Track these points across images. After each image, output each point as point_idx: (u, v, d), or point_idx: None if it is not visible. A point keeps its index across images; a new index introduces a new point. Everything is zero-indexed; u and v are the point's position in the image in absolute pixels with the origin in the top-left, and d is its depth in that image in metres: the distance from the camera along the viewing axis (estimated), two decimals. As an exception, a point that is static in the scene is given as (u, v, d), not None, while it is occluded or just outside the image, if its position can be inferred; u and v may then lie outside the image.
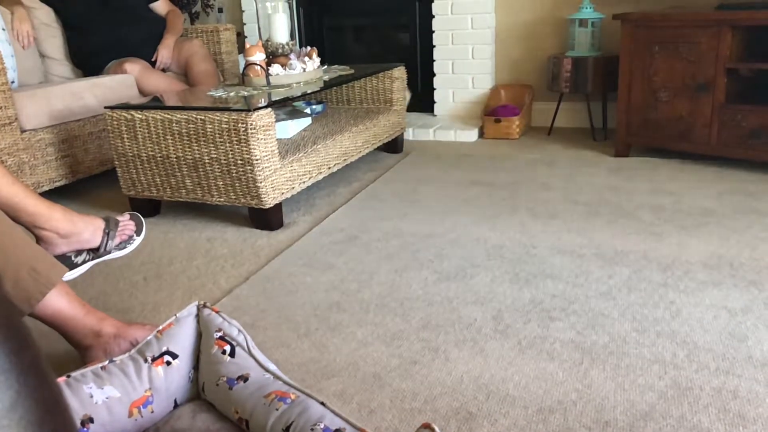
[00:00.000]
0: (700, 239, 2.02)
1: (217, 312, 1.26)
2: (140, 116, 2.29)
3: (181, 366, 1.19)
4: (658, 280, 1.76)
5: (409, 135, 3.67)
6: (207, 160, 2.23)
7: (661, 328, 1.52)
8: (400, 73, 3.24)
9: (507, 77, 3.81)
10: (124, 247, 1.88)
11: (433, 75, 3.91)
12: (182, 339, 1.21)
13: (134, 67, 3.14)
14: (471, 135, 3.58)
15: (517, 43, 3.72)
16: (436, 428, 0.95)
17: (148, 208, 2.51)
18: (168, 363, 1.17)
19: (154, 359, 1.17)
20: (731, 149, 2.64)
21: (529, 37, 3.68)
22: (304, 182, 2.42)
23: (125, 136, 2.35)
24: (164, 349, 1.18)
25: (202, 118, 2.18)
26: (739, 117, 2.60)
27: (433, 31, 3.83)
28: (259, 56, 2.68)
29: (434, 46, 3.86)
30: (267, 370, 1.17)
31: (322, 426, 1.01)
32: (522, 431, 1.20)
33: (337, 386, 1.36)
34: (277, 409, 1.06)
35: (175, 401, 1.18)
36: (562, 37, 3.57)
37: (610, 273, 1.82)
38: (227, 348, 1.19)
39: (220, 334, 1.21)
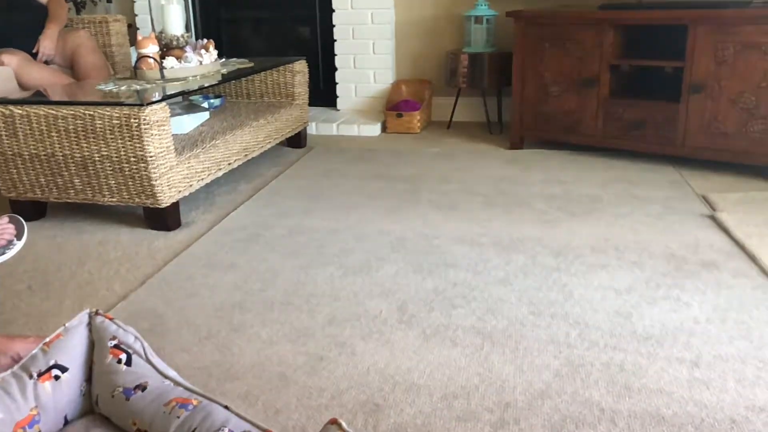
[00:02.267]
0: (589, 225, 2.15)
1: (111, 319, 1.20)
2: (20, 112, 2.14)
3: (72, 379, 1.12)
4: (552, 265, 1.85)
5: (313, 129, 3.64)
6: (97, 158, 2.12)
7: (555, 310, 1.61)
8: (301, 66, 3.21)
9: (407, 72, 3.86)
10: (3, 253, 1.75)
11: (335, 69, 3.90)
12: (72, 350, 1.14)
13: (12, 59, 2.92)
14: (374, 129, 3.60)
15: (417, 38, 3.78)
16: (343, 423, 0.95)
17: (31, 210, 2.35)
18: (56, 377, 1.10)
19: (40, 374, 1.09)
20: (615, 140, 2.82)
21: (428, 33, 3.75)
22: (202, 179, 2.35)
23: (3, 133, 2.18)
24: (52, 362, 1.11)
25: (91, 113, 2.07)
26: (621, 110, 2.78)
27: (334, 25, 3.82)
28: (152, 49, 2.57)
29: (335, 41, 3.85)
30: (167, 377, 1.13)
31: (226, 431, 0.99)
32: (427, 418, 1.22)
33: (241, 388, 1.34)
34: (178, 417, 1.03)
35: (66, 418, 1.12)
36: (459, 34, 3.67)
37: (507, 260, 1.90)
38: (123, 356, 1.13)
39: (114, 342, 1.15)
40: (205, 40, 2.78)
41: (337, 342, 1.50)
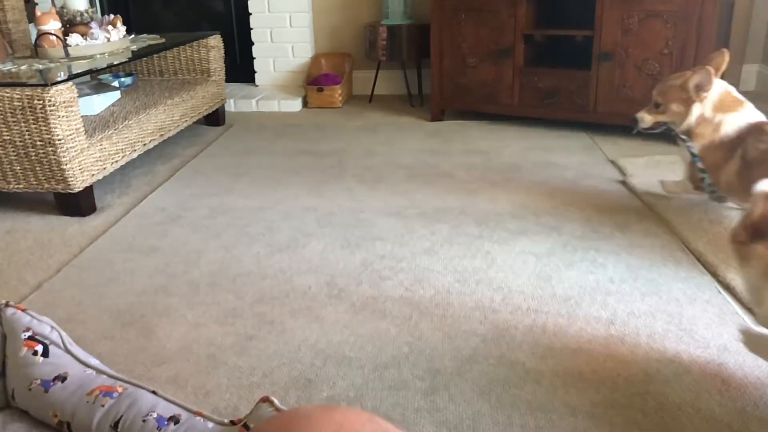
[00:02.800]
0: (509, 193, 2.21)
1: (23, 310, 1.14)
2: None
3: (-16, 375, 1.06)
4: (475, 233, 1.90)
5: (231, 106, 3.55)
6: (-2, 143, 1.99)
7: (479, 276, 1.65)
8: (216, 41, 3.11)
9: (326, 46, 3.81)
10: None
11: (252, 44, 3.80)
12: (-18, 345, 1.08)
13: None
14: (295, 104, 3.55)
15: (335, 11, 3.73)
16: (275, 400, 0.95)
17: (-72, 201, 2.19)
18: (-34, 373, 1.04)
19: (-52, 371, 1.03)
20: (531, 109, 2.89)
21: (346, 5, 3.70)
22: (116, 161, 2.25)
23: None
24: (-40, 358, 1.05)
25: (-12, 95, 1.93)
26: (536, 79, 2.85)
27: (248, -1, 3.72)
28: (53, 25, 2.42)
29: (250, 14, 3.74)
30: (88, 366, 1.09)
31: (154, 415, 0.96)
32: (359, 390, 1.24)
33: (169, 372, 1.31)
34: (102, 405, 0.99)
35: (-20, 414, 1.06)
36: (377, 6, 3.64)
37: (432, 230, 1.93)
38: (39, 348, 1.08)
39: (29, 334, 1.10)
40: (112, 16, 2.64)
41: (266, 320, 1.49)
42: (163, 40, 2.87)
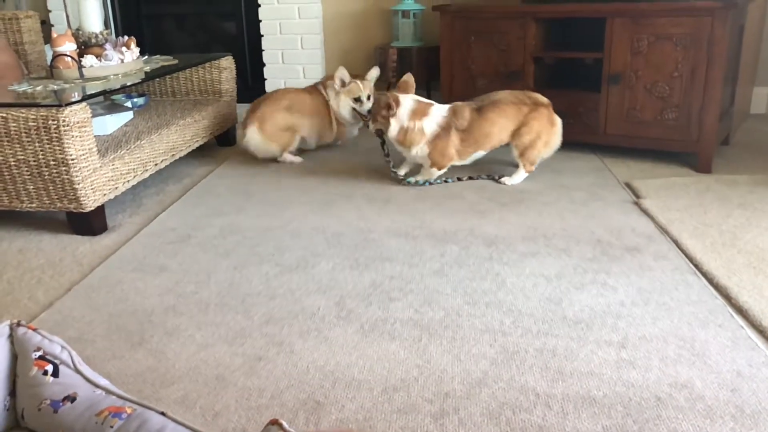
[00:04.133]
0: (518, 214, 2.20)
1: (34, 330, 1.14)
2: (-76, 115, 2.00)
3: (-6, 394, 1.06)
4: (485, 255, 1.89)
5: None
6: (13, 162, 2.01)
7: (489, 299, 1.64)
8: (228, 63, 3.14)
9: (337, 67, 3.84)
10: None
11: (263, 65, 3.84)
12: (-7, 364, 1.08)
13: None
14: (305, 125, 3.57)
15: (345, 33, 3.77)
16: (284, 423, 0.94)
17: (-58, 219, 2.21)
18: (-23, 392, 1.04)
19: (-41, 390, 1.03)
20: (541, 131, 2.89)
21: (357, 27, 3.74)
22: (128, 181, 2.27)
23: None
24: (-29, 377, 1.05)
25: (4, 115, 1.96)
26: (546, 101, 2.86)
27: (260, 21, 3.76)
28: (69, 46, 2.45)
29: (262, 36, 3.79)
30: (98, 386, 1.09)
31: (162, 437, 0.96)
32: (368, 413, 1.23)
33: (178, 393, 1.31)
34: (111, 427, 0.99)
35: (-11, 434, 1.06)
36: (387, 28, 3.68)
37: (441, 251, 1.93)
38: (49, 368, 1.09)
39: (39, 353, 1.10)
40: (126, 38, 2.68)
41: (275, 341, 1.48)
42: (176, 61, 2.90)
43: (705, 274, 1.73)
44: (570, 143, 2.96)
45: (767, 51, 3.37)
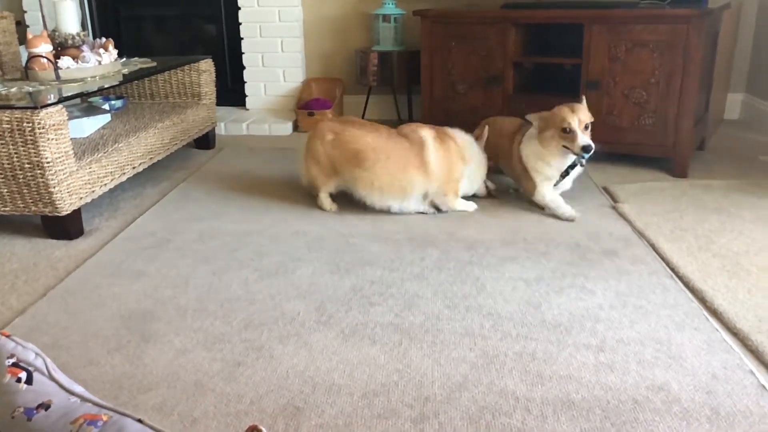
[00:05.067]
0: (499, 219, 2.22)
1: (7, 336, 1.12)
2: None
3: (-34, 402, 1.04)
4: (465, 259, 1.90)
5: (221, 130, 3.56)
6: (-14, 166, 1.98)
7: (469, 303, 1.65)
8: (207, 65, 3.12)
9: (318, 71, 3.84)
10: None
11: (243, 68, 3.82)
12: (-35, 371, 1.06)
13: None
14: (285, 128, 3.56)
15: (326, 36, 3.76)
16: (263, 429, 0.94)
17: None
18: (-53, 401, 1.02)
19: (-71, 399, 1.01)
20: (521, 135, 2.91)
21: (337, 30, 3.74)
22: (105, 185, 2.24)
23: None
24: (-58, 385, 1.03)
25: (-23, 117, 1.92)
26: (525, 106, 2.87)
27: (240, 23, 3.74)
28: (44, 48, 2.42)
29: (242, 39, 3.77)
30: (73, 393, 1.07)
31: (139, 445, 0.95)
32: (348, 418, 1.23)
33: (155, 399, 1.29)
34: (86, 434, 0.97)
35: (-40, 443, 1.04)
36: (368, 32, 3.68)
37: (421, 255, 1.93)
38: (22, 375, 1.06)
39: (12, 360, 1.08)
40: (104, 39, 2.65)
41: (254, 346, 1.47)
42: (155, 63, 2.88)
43: (681, 278, 1.75)
44: (549, 148, 2.98)
45: (740, 58, 3.43)
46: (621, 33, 2.60)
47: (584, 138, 2.15)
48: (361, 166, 2.22)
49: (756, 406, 1.23)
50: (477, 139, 2.41)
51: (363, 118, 3.68)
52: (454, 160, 2.26)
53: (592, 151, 2.13)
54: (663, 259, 1.87)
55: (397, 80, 3.43)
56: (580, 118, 2.17)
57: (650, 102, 2.61)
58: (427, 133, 2.29)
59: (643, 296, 1.66)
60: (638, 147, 2.69)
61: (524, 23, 2.85)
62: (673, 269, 1.80)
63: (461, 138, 2.34)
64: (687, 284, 1.71)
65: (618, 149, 2.74)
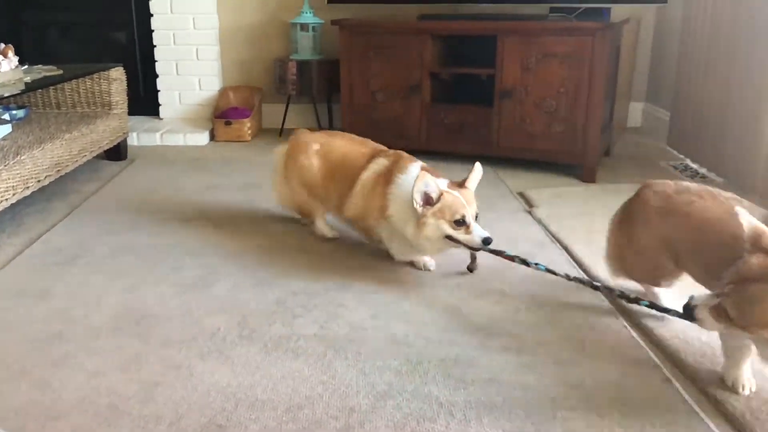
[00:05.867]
0: (420, 226, 2.24)
1: None
2: None
3: None
4: (388, 267, 1.91)
5: (134, 140, 3.42)
6: None
7: (393, 310, 1.66)
8: (118, 73, 3.00)
9: (235, 79, 3.77)
10: None
11: (156, 76, 3.70)
12: None
13: None
14: (202, 138, 3.47)
15: (243, 45, 3.70)
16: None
17: None
18: None
19: None
20: (438, 143, 2.98)
21: (255, 39, 3.69)
22: (6, 200, 2.11)
23: None
24: None
25: None
26: (443, 115, 2.94)
27: (153, 30, 3.63)
28: (-66, 54, 2.26)
29: (155, 46, 3.65)
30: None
31: (48, 476, 0.89)
32: (273, 433, 1.20)
33: (66, 427, 1.22)
34: (-12, 469, 0.91)
35: None
36: (286, 40, 3.65)
37: (346, 265, 1.93)
38: None
39: None
40: (3, 45, 2.50)
41: (173, 365, 1.42)
42: (61, 71, 2.74)
43: (594, 279, 1.83)
44: (466, 156, 3.06)
45: (640, 69, 3.64)
46: (532, 45, 2.70)
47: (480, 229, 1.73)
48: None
49: (662, 397, 1.30)
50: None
51: (283, 126, 3.65)
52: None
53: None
54: (576, 261, 1.95)
55: (316, 89, 3.42)
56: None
57: (560, 111, 2.72)
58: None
59: (558, 298, 1.72)
60: (549, 154, 2.80)
61: (440, 34, 2.91)
62: (585, 271, 1.88)
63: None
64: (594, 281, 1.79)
65: (531, 156, 2.84)
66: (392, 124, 3.04)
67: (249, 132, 3.50)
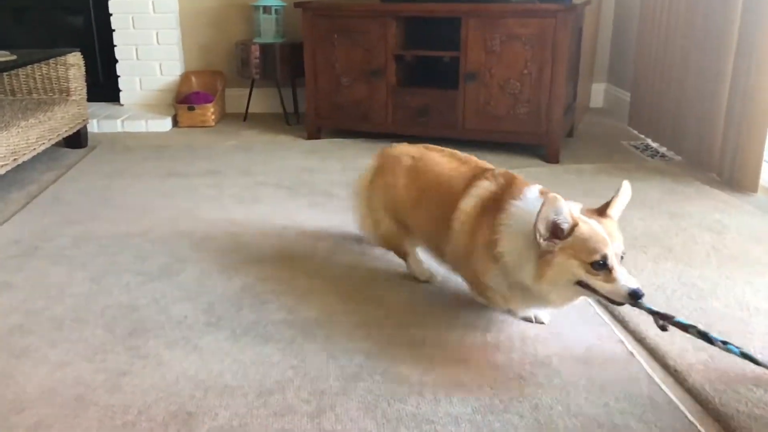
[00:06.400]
0: (388, 209, 2.25)
1: None
2: None
3: None
4: (356, 250, 1.91)
5: (94, 127, 3.34)
6: None
7: (362, 293, 1.66)
8: (75, 59, 2.93)
9: (197, 63, 3.70)
10: None
11: (116, 61, 3.61)
12: None
13: None
14: (164, 124, 3.41)
15: (205, 28, 3.63)
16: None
17: None
18: None
19: None
20: (404, 127, 2.97)
21: (216, 22, 3.62)
22: (-38, 190, 2.05)
23: None
24: None
25: None
26: (408, 98, 2.94)
27: (111, 14, 3.53)
28: None
29: (114, 31, 3.56)
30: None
31: (13, 470, 0.88)
32: (243, 419, 1.20)
33: (31, 419, 1.20)
34: (-50, 465, 0.89)
35: None
36: (248, 24, 3.59)
37: (313, 249, 1.92)
38: None
39: None
40: (-49, 29, 2.41)
41: (140, 354, 1.41)
42: (15, 57, 2.65)
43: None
44: (431, 138, 3.07)
45: (601, 51, 3.69)
46: (496, 27, 2.71)
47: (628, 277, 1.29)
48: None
49: (625, 371, 1.34)
50: None
51: (247, 111, 3.60)
52: None
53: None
54: (541, 241, 1.98)
55: (280, 73, 3.38)
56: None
57: (524, 92, 2.74)
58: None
59: (524, 277, 1.75)
60: (514, 135, 2.82)
61: (404, 16, 2.90)
62: (550, 250, 1.91)
63: None
64: (563, 263, 1.82)
65: (496, 137, 2.86)
66: (357, 108, 3.03)
67: (213, 117, 3.45)
